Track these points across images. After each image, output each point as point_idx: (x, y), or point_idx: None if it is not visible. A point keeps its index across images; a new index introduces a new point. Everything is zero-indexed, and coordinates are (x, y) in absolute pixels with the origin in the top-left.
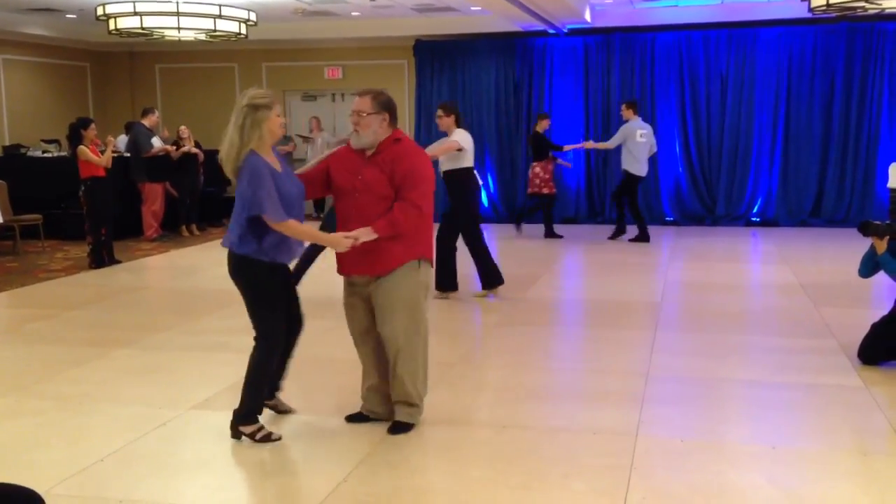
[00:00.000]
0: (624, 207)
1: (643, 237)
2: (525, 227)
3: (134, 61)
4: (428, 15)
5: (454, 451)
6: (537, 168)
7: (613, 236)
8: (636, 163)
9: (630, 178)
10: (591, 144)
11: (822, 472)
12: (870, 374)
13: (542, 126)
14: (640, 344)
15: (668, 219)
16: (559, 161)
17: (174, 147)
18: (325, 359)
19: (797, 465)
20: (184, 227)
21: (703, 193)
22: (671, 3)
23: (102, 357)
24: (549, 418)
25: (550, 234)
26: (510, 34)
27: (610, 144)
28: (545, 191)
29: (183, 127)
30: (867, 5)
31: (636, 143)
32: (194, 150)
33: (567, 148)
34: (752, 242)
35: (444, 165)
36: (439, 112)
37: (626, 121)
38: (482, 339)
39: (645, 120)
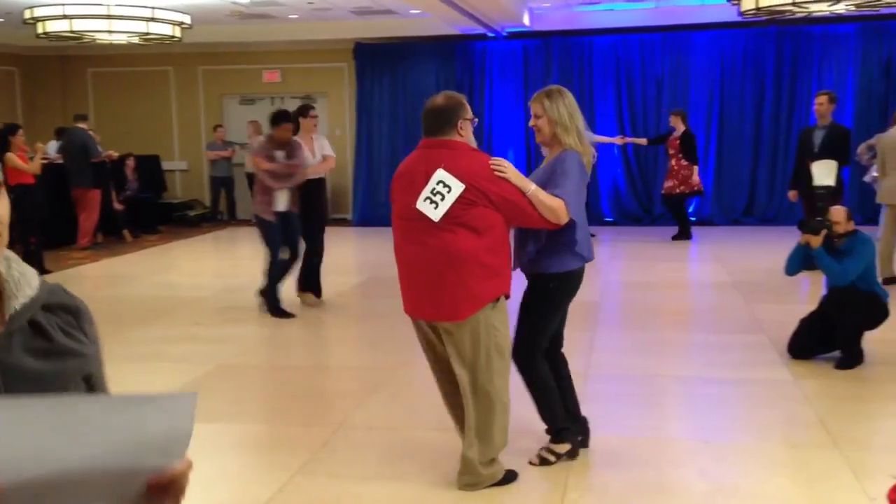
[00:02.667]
0: None
1: None
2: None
3: (65, 65)
4: (367, 18)
5: (396, 456)
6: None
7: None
8: None
9: None
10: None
11: (753, 465)
12: (798, 367)
13: None
14: (579, 344)
15: (607, 219)
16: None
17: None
18: (270, 366)
19: (729, 458)
20: (127, 232)
21: (641, 194)
22: (608, 7)
23: None
24: None
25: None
26: (450, 37)
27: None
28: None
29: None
30: (794, 9)
31: None
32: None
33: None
34: (687, 242)
35: (319, 173)
36: (315, 113)
37: None
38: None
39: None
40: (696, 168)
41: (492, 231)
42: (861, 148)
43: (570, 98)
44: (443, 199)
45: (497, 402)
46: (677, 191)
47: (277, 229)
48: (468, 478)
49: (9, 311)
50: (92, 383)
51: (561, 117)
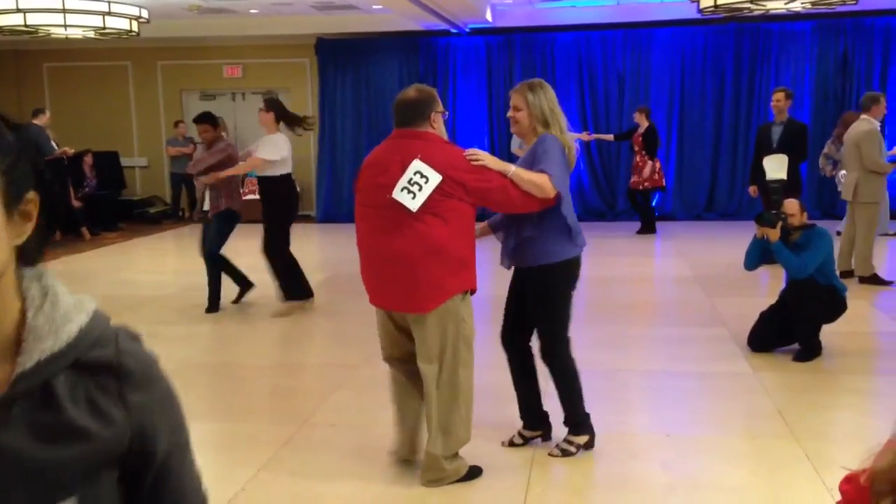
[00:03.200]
0: None
1: None
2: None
3: (20, 60)
4: (329, 13)
5: (359, 454)
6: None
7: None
8: None
9: None
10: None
11: (715, 457)
12: (758, 360)
13: None
14: None
15: None
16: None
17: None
18: (233, 364)
19: (691, 451)
20: (85, 230)
21: (604, 190)
22: (570, 4)
23: None
24: None
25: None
26: (413, 33)
27: None
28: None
29: None
30: (753, 7)
31: None
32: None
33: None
34: (651, 236)
35: (261, 171)
36: (261, 106)
37: None
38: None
39: None
40: (650, 163)
41: (464, 223)
42: (821, 161)
43: (551, 93)
44: (420, 189)
45: (461, 394)
46: (641, 187)
47: (205, 229)
48: (431, 474)
49: (16, 371)
50: (135, 468)
51: (542, 112)
